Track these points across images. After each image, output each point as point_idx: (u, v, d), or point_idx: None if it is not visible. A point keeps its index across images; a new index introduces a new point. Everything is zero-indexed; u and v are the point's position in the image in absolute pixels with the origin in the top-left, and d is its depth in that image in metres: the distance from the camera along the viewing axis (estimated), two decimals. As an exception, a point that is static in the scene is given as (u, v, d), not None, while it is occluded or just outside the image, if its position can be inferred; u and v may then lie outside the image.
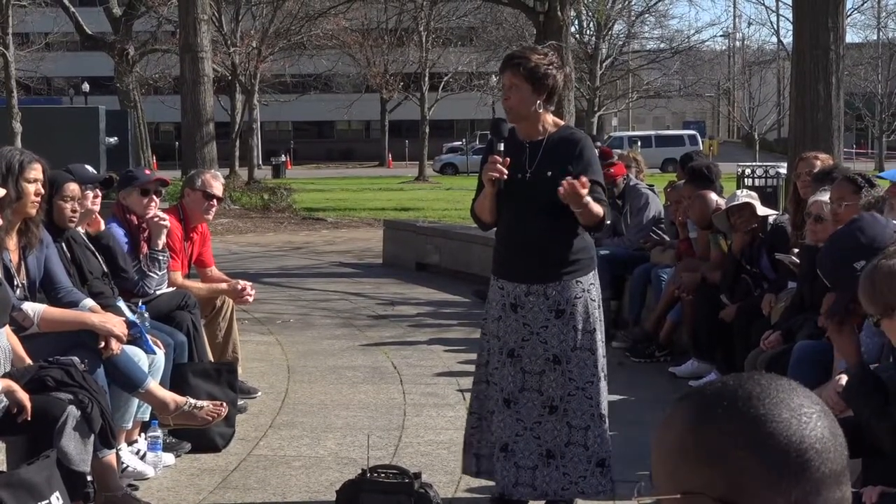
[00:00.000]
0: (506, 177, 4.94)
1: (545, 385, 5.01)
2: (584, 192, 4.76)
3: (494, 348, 5.14)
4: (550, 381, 5.00)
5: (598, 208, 4.89)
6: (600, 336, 5.10)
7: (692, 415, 1.48)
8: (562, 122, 5.26)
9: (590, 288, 5.07)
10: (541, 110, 5.05)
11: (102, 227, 6.25)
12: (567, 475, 5.00)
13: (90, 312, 5.32)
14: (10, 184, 5.04)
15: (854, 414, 4.02)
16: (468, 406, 5.37)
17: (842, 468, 1.46)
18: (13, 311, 4.98)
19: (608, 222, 5.07)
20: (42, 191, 5.18)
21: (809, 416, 1.45)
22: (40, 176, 5.17)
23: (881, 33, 54.38)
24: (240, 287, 7.31)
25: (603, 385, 5.07)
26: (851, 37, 59.28)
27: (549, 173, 4.98)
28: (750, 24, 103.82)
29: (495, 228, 5.22)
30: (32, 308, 5.08)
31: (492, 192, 5.02)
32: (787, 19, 47.80)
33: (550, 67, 5.01)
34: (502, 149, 5.00)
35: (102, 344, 5.14)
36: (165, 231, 6.74)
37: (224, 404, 5.69)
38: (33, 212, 5.16)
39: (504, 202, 5.02)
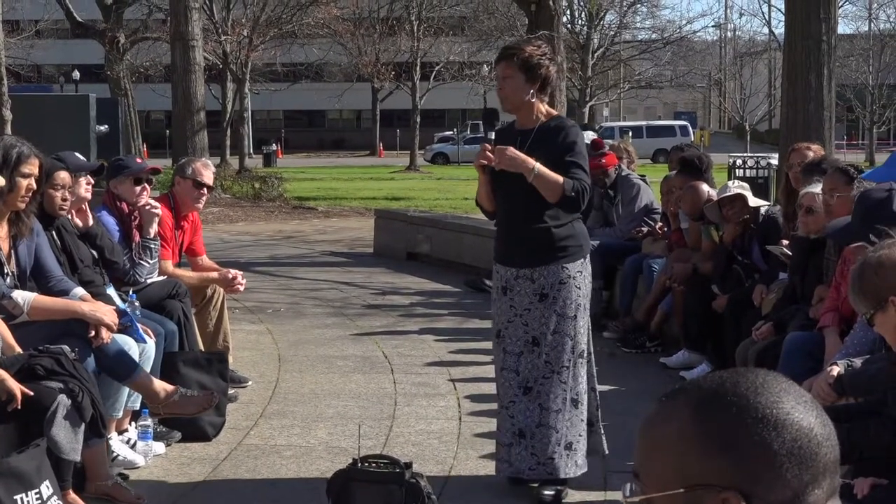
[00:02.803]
0: (493, 164, 5.09)
1: (522, 366, 5.18)
2: (509, 154, 4.98)
3: (492, 330, 5.35)
4: (528, 363, 5.17)
5: (552, 179, 4.99)
6: (583, 323, 5.23)
7: (695, 408, 1.48)
8: (555, 112, 5.41)
9: (576, 275, 5.19)
10: (534, 100, 5.21)
11: (91, 221, 6.19)
12: (535, 455, 5.15)
13: (80, 301, 5.30)
14: (3, 175, 5.01)
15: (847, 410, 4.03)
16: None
17: (838, 457, 1.48)
18: (3, 299, 4.96)
19: (573, 194, 5.05)
20: (34, 187, 5.14)
21: (812, 406, 1.47)
22: (35, 172, 5.13)
23: (872, 24, 54.50)
24: (230, 276, 7.30)
25: (579, 371, 5.21)
26: (843, 28, 59.45)
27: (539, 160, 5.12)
28: (741, 14, 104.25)
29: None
30: (22, 296, 5.06)
31: (485, 179, 5.24)
32: (779, 10, 47.85)
33: (543, 58, 5.19)
34: (493, 137, 5.22)
35: (93, 333, 5.12)
36: (157, 219, 6.72)
37: (214, 394, 5.68)
38: (22, 206, 5.12)
39: (498, 189, 5.22)
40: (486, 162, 5.11)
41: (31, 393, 4.49)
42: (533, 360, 5.15)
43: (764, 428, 1.43)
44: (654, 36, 50.39)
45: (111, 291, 5.99)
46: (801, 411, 1.46)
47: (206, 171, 7.34)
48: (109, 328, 5.18)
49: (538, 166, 5.01)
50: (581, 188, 5.07)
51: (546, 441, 5.13)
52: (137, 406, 5.74)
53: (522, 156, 5.02)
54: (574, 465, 5.19)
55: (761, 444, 1.43)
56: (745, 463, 1.43)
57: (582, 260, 5.23)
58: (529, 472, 5.17)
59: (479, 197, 5.36)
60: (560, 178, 5.03)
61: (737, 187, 7.76)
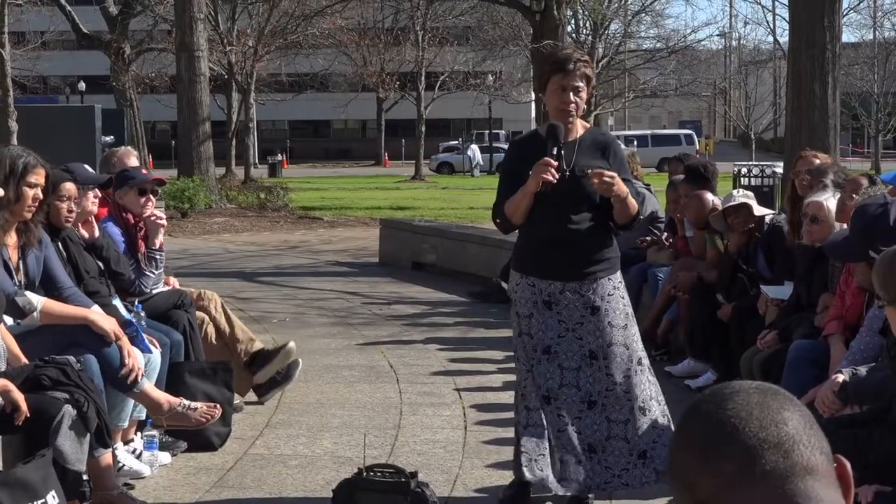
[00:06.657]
0: (555, 180, 4.93)
1: (582, 381, 5.08)
2: (617, 180, 4.87)
3: (529, 345, 5.13)
4: (588, 377, 5.08)
5: (634, 203, 5.01)
6: (634, 332, 5.20)
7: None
8: (588, 124, 5.37)
9: (619, 285, 5.18)
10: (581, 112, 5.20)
11: (97, 233, 6.19)
12: (609, 469, 5.07)
13: (90, 309, 5.31)
14: (10, 186, 5.03)
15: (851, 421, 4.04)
16: (515, 401, 5.24)
17: (772, 436, 1.45)
18: (15, 295, 4.97)
19: (641, 218, 5.20)
20: (41, 196, 5.16)
21: (734, 399, 1.47)
22: (41, 181, 5.15)
23: (877, 32, 54.42)
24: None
25: (642, 378, 5.14)
26: (847, 36, 59.26)
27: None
28: (746, 23, 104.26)
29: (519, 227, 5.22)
30: (35, 297, 5.09)
31: (532, 194, 4.99)
32: (784, 19, 47.77)
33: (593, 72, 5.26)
34: (555, 153, 4.99)
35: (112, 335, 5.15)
36: (163, 230, 6.72)
37: (218, 406, 5.68)
38: (29, 216, 5.15)
39: (539, 201, 5.01)
40: (550, 179, 4.90)
41: (25, 406, 4.50)
42: (593, 373, 5.07)
43: (685, 433, 1.49)
44: (658, 45, 50.27)
45: (117, 302, 6.00)
46: (714, 403, 1.48)
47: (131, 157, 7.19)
48: (119, 337, 5.19)
49: (626, 189, 4.97)
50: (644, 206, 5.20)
51: (618, 453, 5.07)
52: (143, 416, 5.75)
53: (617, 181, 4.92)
54: (652, 472, 5.09)
55: (683, 449, 1.49)
56: (682, 473, 1.48)
57: (619, 270, 5.25)
58: (605, 485, 5.08)
59: (513, 209, 5.07)
60: (636, 205, 5.05)
61: (742, 196, 7.76)
